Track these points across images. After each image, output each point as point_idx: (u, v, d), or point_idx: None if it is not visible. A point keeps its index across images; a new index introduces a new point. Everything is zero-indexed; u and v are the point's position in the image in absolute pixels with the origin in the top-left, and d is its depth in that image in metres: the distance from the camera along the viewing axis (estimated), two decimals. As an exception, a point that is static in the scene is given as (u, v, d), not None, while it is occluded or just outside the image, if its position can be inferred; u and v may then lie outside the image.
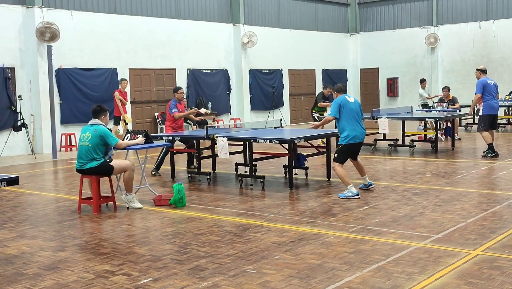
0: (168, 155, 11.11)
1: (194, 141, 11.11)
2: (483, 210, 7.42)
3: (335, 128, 9.28)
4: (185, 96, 14.08)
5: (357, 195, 8.44)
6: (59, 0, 16.86)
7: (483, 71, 12.60)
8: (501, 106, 18.63)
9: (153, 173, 11.36)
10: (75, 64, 17.08)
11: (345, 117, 8.63)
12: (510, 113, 19.57)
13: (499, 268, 5.12)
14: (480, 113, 12.45)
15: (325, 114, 15.14)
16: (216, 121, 20.48)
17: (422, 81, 19.17)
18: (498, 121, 18.17)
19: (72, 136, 16.65)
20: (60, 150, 16.26)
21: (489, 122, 12.37)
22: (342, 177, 8.55)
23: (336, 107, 8.69)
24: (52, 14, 16.36)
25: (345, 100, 8.72)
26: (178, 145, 12.51)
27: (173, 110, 11.44)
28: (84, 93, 17.14)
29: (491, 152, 12.21)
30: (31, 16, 15.91)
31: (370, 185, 9.05)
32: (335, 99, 8.86)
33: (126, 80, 16.44)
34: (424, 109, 16.95)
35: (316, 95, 16.84)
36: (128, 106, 18.12)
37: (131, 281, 5.11)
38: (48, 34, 15.71)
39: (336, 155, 8.72)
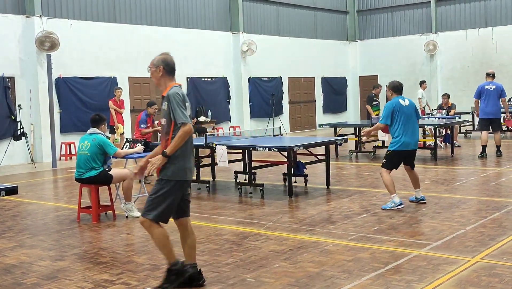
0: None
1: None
2: (482, 217, 7.42)
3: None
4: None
5: (401, 204, 8.02)
6: (58, 9, 16.93)
7: (489, 75, 13.11)
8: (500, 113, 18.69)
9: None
10: (75, 73, 17.12)
11: (397, 121, 8.05)
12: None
13: (498, 275, 5.12)
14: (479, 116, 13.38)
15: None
16: (215, 130, 20.50)
17: (422, 83, 19.11)
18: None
19: (72, 145, 16.66)
20: (59, 159, 16.26)
21: (482, 125, 13.19)
22: (387, 185, 8.09)
23: (387, 112, 8.09)
24: (52, 24, 16.41)
25: (399, 103, 8.08)
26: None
27: (141, 126, 11.76)
28: (84, 102, 17.17)
29: (481, 153, 13.04)
30: (31, 26, 15.97)
31: (422, 199, 8.40)
32: (387, 102, 8.24)
33: (120, 88, 16.40)
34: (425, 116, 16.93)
35: (366, 99, 16.66)
36: (128, 115, 18.15)
37: (130, 291, 5.11)
38: (47, 44, 15.76)
39: (384, 160, 8.27)
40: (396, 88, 8.24)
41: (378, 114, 15.26)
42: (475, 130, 13.39)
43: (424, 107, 18.48)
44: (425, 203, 8.40)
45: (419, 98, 18.78)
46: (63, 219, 8.42)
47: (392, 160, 8.19)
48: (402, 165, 8.41)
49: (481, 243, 6.17)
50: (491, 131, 13.11)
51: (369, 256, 5.85)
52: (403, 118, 8.06)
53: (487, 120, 13.04)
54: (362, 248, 6.18)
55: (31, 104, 16.07)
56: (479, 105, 13.16)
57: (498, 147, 13.15)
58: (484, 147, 13.01)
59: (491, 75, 13.18)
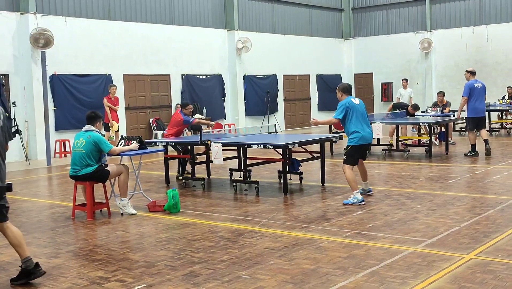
0: (163, 160, 11.11)
1: (189, 147, 11.11)
2: (476, 214, 7.45)
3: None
4: (178, 105, 14.05)
5: (363, 201, 8.28)
6: (53, 6, 16.87)
7: (472, 73, 12.92)
8: (494, 110, 18.79)
9: (180, 178, 11.23)
10: (70, 71, 17.07)
11: (352, 118, 8.46)
12: (504, 118, 19.63)
13: (492, 272, 5.14)
14: (465, 115, 13.05)
15: None
16: (211, 127, 20.46)
17: (403, 80, 19.04)
18: (492, 126, 18.40)
19: (67, 143, 16.62)
20: (54, 156, 16.22)
21: (473, 124, 12.93)
22: (350, 181, 8.36)
23: (342, 109, 8.52)
24: (46, 21, 16.36)
25: (351, 102, 8.55)
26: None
27: (190, 120, 11.49)
28: (79, 99, 17.13)
29: (471, 151, 12.96)
30: (25, 23, 15.91)
31: (370, 191, 8.99)
32: (340, 101, 8.65)
33: (115, 86, 16.37)
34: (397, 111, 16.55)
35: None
36: (122, 112, 18.12)
37: (125, 288, 5.11)
38: (42, 41, 15.70)
39: (345, 157, 8.56)
40: (346, 89, 8.75)
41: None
42: (467, 130, 13.19)
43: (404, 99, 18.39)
44: (371, 194, 8.87)
45: (397, 97, 18.75)
46: (57, 216, 8.41)
47: (353, 155, 8.53)
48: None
49: (475, 240, 6.20)
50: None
51: (364, 253, 5.86)
52: (357, 114, 8.51)
53: (476, 118, 12.81)
54: (357, 245, 6.19)
55: (25, 101, 16.02)
56: (450, 106, 13.07)
57: (486, 140, 12.86)
58: (474, 146, 12.90)
59: (474, 73, 13.11)
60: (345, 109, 8.49)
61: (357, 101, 8.68)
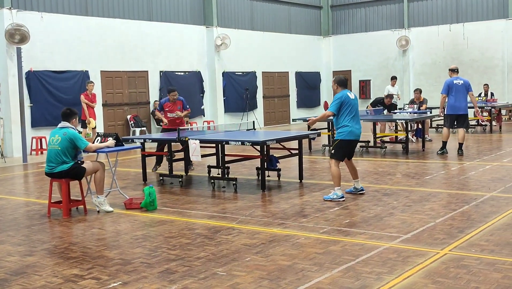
0: (141, 157, 11.05)
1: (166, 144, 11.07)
2: (451, 210, 7.53)
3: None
4: (157, 102, 14.05)
5: (342, 197, 8.27)
6: (29, 1, 16.66)
7: (453, 71, 12.90)
8: (470, 108, 18.91)
9: (154, 170, 11.80)
10: (46, 67, 16.88)
11: (345, 112, 8.32)
12: (480, 115, 19.83)
13: (466, 267, 5.20)
14: (445, 112, 12.95)
15: None
16: (189, 124, 20.40)
17: (393, 78, 19.18)
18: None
19: (43, 140, 16.43)
20: (30, 154, 16.04)
21: (450, 121, 12.79)
22: (334, 176, 8.32)
23: (337, 102, 8.34)
24: (22, 16, 16.15)
25: (347, 96, 8.39)
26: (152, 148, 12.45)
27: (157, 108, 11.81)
28: (55, 96, 16.95)
29: (441, 148, 12.97)
30: (0, 18, 15.68)
31: (362, 190, 8.80)
32: (336, 94, 8.47)
33: (92, 82, 16.22)
34: (396, 111, 16.97)
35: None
36: (100, 109, 17.98)
37: (100, 285, 5.07)
38: (17, 36, 15.49)
39: (333, 151, 8.45)
40: (342, 82, 8.56)
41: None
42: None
43: (392, 104, 18.42)
44: (364, 192, 8.76)
45: (385, 95, 18.84)
46: (33, 214, 8.31)
47: (341, 150, 8.41)
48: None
49: (450, 236, 6.27)
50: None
51: (340, 249, 5.89)
52: (351, 109, 8.36)
53: (454, 116, 12.71)
54: (333, 241, 6.22)
55: (0, 98, 15.81)
56: (446, 101, 12.95)
57: (460, 145, 12.75)
58: (445, 143, 12.89)
59: (456, 71, 13.04)
60: (340, 103, 8.32)
61: (352, 96, 8.51)
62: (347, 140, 8.38)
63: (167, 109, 11.93)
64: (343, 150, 8.45)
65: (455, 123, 12.83)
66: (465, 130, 13.01)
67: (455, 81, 12.69)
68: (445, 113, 12.88)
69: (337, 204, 8.14)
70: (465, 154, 12.76)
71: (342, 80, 8.60)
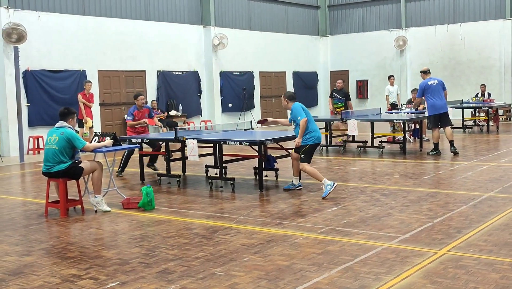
0: (138, 157, 11.03)
1: (163, 144, 11.04)
2: (449, 210, 7.53)
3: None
4: (154, 101, 14.00)
5: (334, 184, 8.63)
6: (26, 1, 16.62)
7: (426, 72, 13.00)
8: (467, 108, 19.02)
9: (118, 174, 11.48)
10: (43, 66, 16.84)
11: (308, 120, 8.96)
12: (477, 115, 19.90)
13: (464, 267, 5.20)
14: (426, 114, 13.00)
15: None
16: (186, 124, 20.39)
17: (390, 77, 19.19)
18: (466, 123, 18.63)
19: (40, 139, 16.40)
20: (27, 153, 16.00)
21: (435, 121, 12.83)
22: (314, 174, 8.79)
23: (301, 110, 8.97)
24: (19, 15, 16.11)
25: (302, 105, 9.12)
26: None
27: (127, 118, 11.71)
28: (52, 95, 16.91)
29: (433, 150, 12.94)
30: (-3, 17, 15.65)
31: (299, 186, 9.39)
32: (293, 105, 9.04)
33: (90, 82, 16.18)
34: (394, 111, 17.01)
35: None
36: (97, 109, 17.94)
37: (98, 285, 5.05)
38: (15, 36, 15.46)
39: (302, 156, 8.91)
40: (292, 97, 9.25)
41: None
42: (428, 129, 13.33)
43: (393, 103, 18.48)
44: (301, 188, 9.26)
45: (386, 95, 18.87)
46: (30, 213, 8.29)
47: (310, 153, 9.00)
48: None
49: (448, 236, 6.27)
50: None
51: (338, 249, 5.89)
52: (310, 117, 9.04)
53: (437, 116, 12.70)
54: (331, 241, 6.22)
55: (-3, 97, 15.78)
56: (424, 104, 13.05)
57: (451, 142, 12.78)
58: (436, 144, 12.88)
59: (428, 72, 13.12)
60: (302, 111, 8.95)
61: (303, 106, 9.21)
62: (314, 145, 9.00)
63: (136, 118, 11.74)
64: (311, 153, 9.04)
65: (439, 123, 12.82)
66: (451, 128, 13.01)
67: (429, 82, 12.77)
68: (427, 114, 12.94)
69: (335, 204, 8.14)
70: (462, 154, 12.78)
71: (291, 95, 9.28)
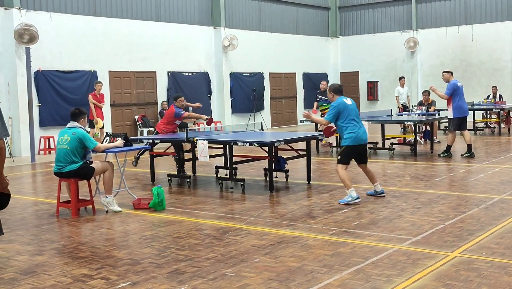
0: (149, 158, 11.05)
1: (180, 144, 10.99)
2: (461, 212, 7.49)
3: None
4: (165, 102, 13.96)
5: (358, 198, 8.20)
6: (38, 1, 16.71)
7: (452, 73, 12.83)
8: (478, 110, 18.93)
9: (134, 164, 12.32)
10: (54, 67, 16.93)
11: (345, 119, 8.32)
12: (488, 117, 19.78)
13: (476, 269, 5.17)
14: (450, 116, 12.64)
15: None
16: (196, 124, 20.40)
17: (401, 78, 19.13)
18: (477, 125, 18.54)
19: (51, 139, 16.49)
20: (38, 153, 16.09)
21: (457, 124, 12.57)
22: (343, 179, 8.24)
23: (333, 112, 8.36)
24: (31, 16, 16.20)
25: (343, 102, 8.40)
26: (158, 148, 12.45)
27: (181, 112, 11.30)
28: (63, 96, 16.99)
29: (445, 152, 12.89)
30: (9, 18, 15.74)
31: (382, 192, 8.70)
32: (332, 102, 8.49)
33: (100, 82, 16.24)
34: (404, 113, 16.95)
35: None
36: (108, 109, 18.01)
37: (110, 285, 5.07)
38: (26, 36, 15.55)
39: (339, 157, 8.46)
40: (337, 90, 8.56)
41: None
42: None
43: (402, 105, 18.41)
44: (384, 195, 8.67)
45: (396, 96, 18.79)
46: (42, 213, 8.33)
47: (347, 155, 8.41)
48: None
49: (460, 238, 6.23)
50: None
51: (349, 251, 5.87)
52: (351, 114, 8.36)
53: (461, 118, 12.50)
54: (342, 242, 6.20)
55: (9, 97, 15.86)
56: (435, 105, 12.77)
57: (469, 146, 12.65)
58: (449, 147, 12.75)
59: (452, 73, 13.00)
60: (337, 112, 8.33)
61: (349, 101, 8.50)
62: (353, 146, 8.36)
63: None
64: (350, 156, 8.45)
65: (460, 126, 12.62)
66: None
67: (458, 84, 12.54)
68: (451, 116, 12.56)
69: (346, 205, 8.12)
70: (473, 157, 12.69)
71: (337, 88, 8.59)
